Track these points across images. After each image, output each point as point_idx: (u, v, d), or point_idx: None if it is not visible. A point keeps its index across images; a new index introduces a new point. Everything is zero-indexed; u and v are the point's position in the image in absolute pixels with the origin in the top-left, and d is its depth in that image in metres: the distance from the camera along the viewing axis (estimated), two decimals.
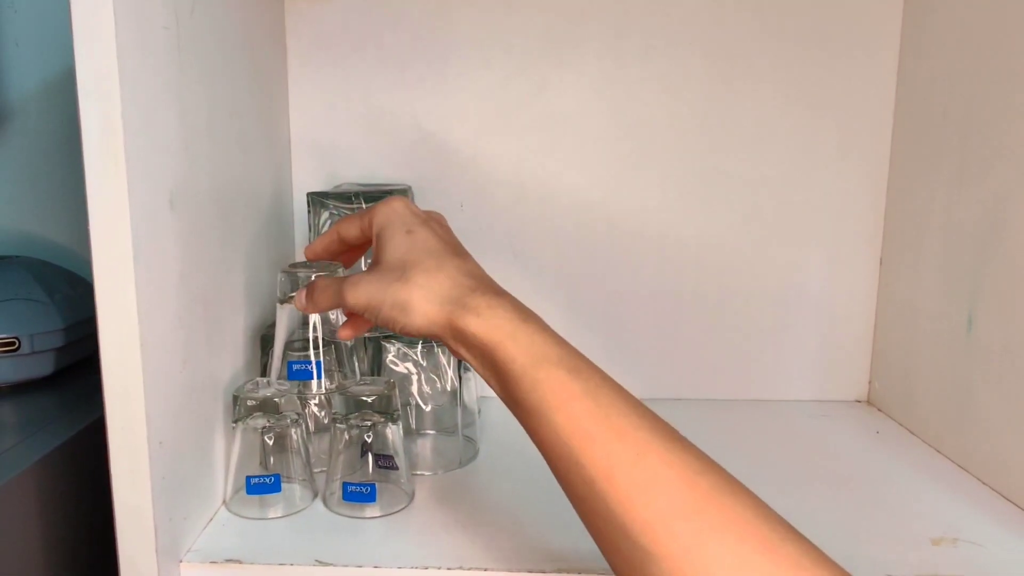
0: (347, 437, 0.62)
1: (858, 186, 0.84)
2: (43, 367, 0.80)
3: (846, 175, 0.83)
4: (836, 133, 0.83)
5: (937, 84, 0.74)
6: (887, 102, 0.82)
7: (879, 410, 0.85)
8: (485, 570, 0.53)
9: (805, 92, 0.82)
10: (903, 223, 0.80)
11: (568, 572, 0.53)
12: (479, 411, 0.83)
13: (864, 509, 0.62)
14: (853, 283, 0.85)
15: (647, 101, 0.83)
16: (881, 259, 0.85)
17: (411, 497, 0.63)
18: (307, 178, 0.85)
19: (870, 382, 0.87)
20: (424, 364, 0.69)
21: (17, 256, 0.89)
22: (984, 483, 0.66)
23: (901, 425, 0.80)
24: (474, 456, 0.72)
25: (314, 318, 0.61)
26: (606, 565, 0.53)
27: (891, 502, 0.63)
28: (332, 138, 0.84)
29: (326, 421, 0.71)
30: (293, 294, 0.62)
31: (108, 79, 0.46)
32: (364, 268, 0.73)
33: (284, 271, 0.62)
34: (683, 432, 0.80)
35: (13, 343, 0.77)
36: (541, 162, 0.84)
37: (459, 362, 0.70)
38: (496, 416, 0.83)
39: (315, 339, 0.62)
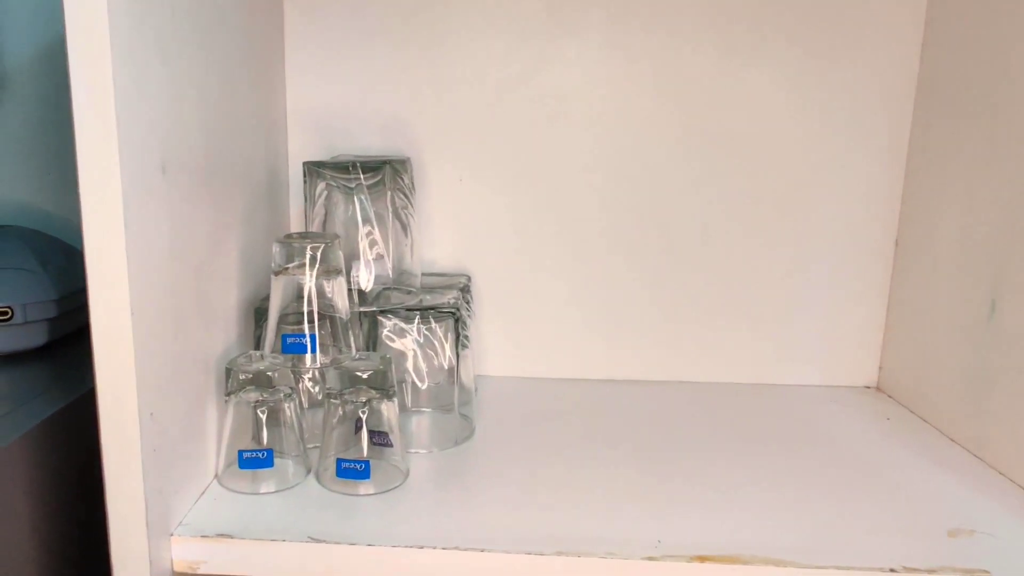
0: (341, 413, 0.61)
1: (875, 163, 0.81)
2: (36, 337, 0.79)
3: (862, 151, 0.81)
4: (853, 107, 0.80)
5: (963, 57, 0.72)
6: (909, 76, 0.79)
7: (889, 396, 0.83)
8: (482, 551, 0.52)
9: (820, 64, 0.79)
10: (922, 202, 0.78)
11: (568, 555, 0.52)
12: (476, 389, 0.82)
13: (875, 499, 0.60)
14: (866, 265, 0.83)
15: (653, 75, 0.81)
16: (897, 240, 0.83)
17: (406, 475, 0.62)
18: (303, 148, 0.83)
19: (880, 367, 0.85)
20: (421, 340, 0.68)
21: (11, 225, 0.88)
22: (1001, 473, 0.65)
23: (912, 412, 0.79)
24: (470, 435, 0.71)
25: (309, 291, 0.60)
26: (607, 549, 0.52)
27: (903, 492, 0.62)
28: (329, 108, 0.83)
29: (320, 396, 0.70)
30: (287, 265, 0.61)
31: (99, 40, 0.45)
32: (371, 251, 0.73)
33: (279, 241, 0.61)
34: (686, 416, 0.79)
35: (6, 313, 0.76)
36: (543, 136, 0.82)
37: (456, 338, 0.69)
38: (493, 394, 0.82)
39: (310, 312, 0.60)
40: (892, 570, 0.50)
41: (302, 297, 0.60)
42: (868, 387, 0.86)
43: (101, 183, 0.47)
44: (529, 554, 0.52)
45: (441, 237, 0.85)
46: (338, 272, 0.62)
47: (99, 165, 0.47)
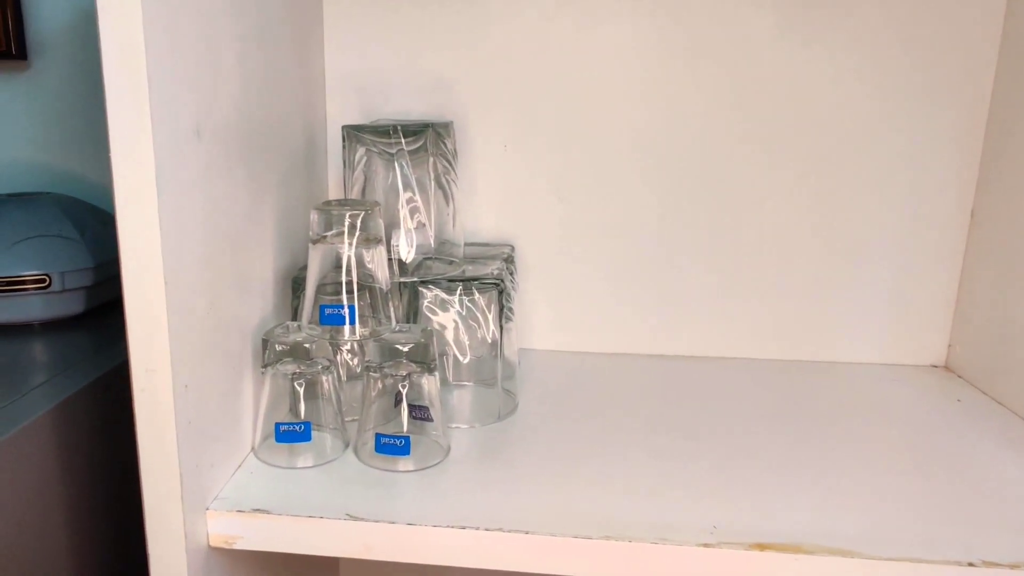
0: (381, 386, 0.59)
1: (951, 128, 0.75)
2: (74, 305, 0.78)
3: (937, 115, 0.75)
4: (929, 64, 0.74)
5: None
6: (993, 28, 0.73)
7: (959, 376, 0.78)
8: (527, 533, 0.50)
9: (893, 17, 0.74)
10: (1002, 172, 0.73)
11: (616, 539, 0.49)
12: (519, 363, 0.79)
13: (948, 487, 0.57)
14: (937, 237, 0.78)
15: (708, 34, 0.76)
16: (973, 211, 0.77)
17: (447, 451, 0.60)
18: (341, 113, 0.81)
19: (950, 346, 0.81)
20: (463, 312, 0.66)
21: (48, 192, 0.87)
22: None
23: (985, 393, 0.74)
24: (513, 410, 0.69)
25: (348, 260, 0.58)
26: (658, 534, 0.50)
27: (979, 479, 0.58)
28: (368, 72, 0.80)
29: (359, 369, 0.68)
30: (326, 234, 0.58)
31: None
32: (411, 219, 0.70)
33: (317, 209, 0.58)
34: (740, 395, 0.75)
35: (44, 280, 0.76)
36: (590, 100, 0.78)
37: (500, 311, 0.66)
38: (537, 369, 0.79)
39: (348, 283, 0.58)
40: (971, 564, 0.47)
41: (340, 267, 0.58)
42: (935, 366, 0.81)
43: (132, 147, 0.45)
44: (576, 537, 0.50)
45: (483, 206, 0.82)
46: (378, 241, 0.59)
47: (130, 128, 0.45)
